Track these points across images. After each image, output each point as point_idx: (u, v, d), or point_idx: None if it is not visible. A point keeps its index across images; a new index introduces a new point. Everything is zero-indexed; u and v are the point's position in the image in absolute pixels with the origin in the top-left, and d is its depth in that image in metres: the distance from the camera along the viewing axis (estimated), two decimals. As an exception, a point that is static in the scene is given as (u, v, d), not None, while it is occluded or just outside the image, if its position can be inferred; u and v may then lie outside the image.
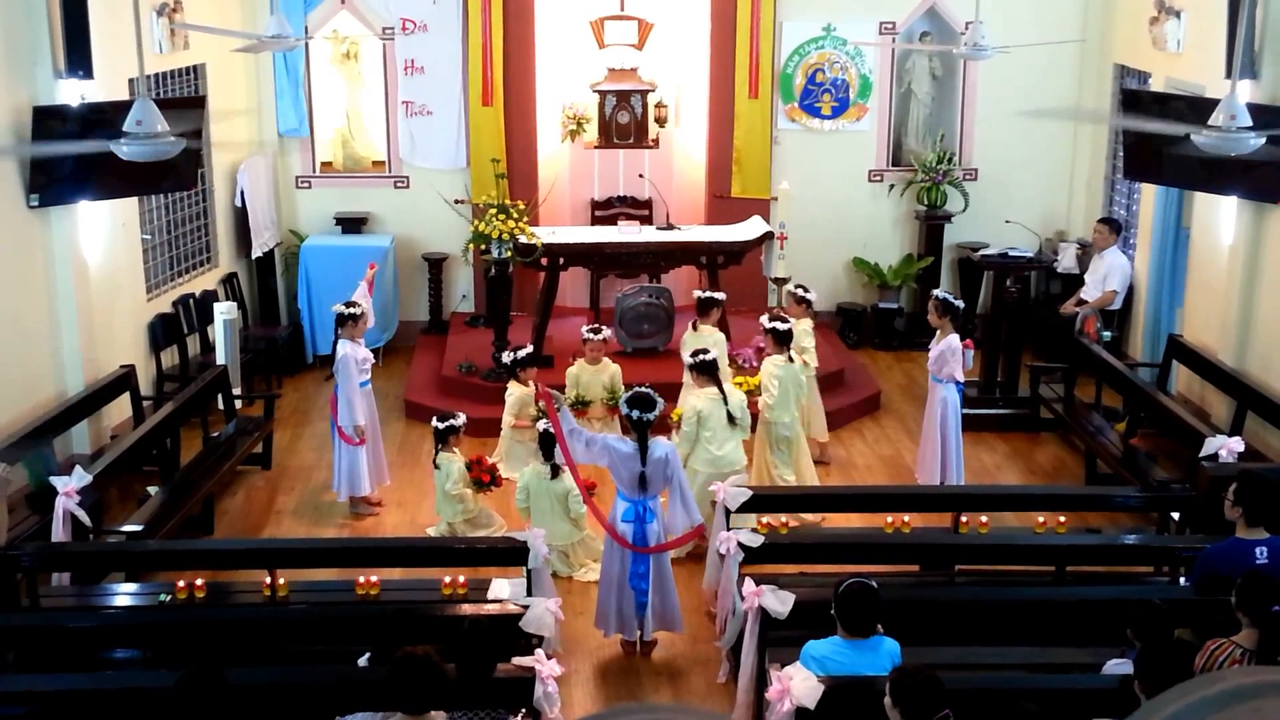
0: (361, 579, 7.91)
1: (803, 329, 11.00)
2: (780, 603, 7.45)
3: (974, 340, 11.02)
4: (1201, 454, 9.30)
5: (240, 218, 13.59)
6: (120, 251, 11.56)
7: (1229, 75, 9.81)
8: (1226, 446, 9.25)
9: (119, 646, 7.76)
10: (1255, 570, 6.70)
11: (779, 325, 9.96)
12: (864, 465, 11.43)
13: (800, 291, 11.29)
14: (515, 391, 10.93)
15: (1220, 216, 11.51)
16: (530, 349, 11.18)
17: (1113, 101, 13.68)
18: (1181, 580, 8.07)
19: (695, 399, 9.45)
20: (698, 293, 11.34)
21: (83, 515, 8.65)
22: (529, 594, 7.81)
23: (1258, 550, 7.13)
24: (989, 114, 14.38)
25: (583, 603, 8.94)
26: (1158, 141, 10.68)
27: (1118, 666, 6.50)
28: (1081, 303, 12.68)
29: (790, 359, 9.94)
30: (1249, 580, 6.32)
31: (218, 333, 12.24)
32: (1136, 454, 10.62)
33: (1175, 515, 9.29)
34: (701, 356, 9.46)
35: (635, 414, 8.25)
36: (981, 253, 12.81)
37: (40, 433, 9.90)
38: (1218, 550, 7.34)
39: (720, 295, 11.31)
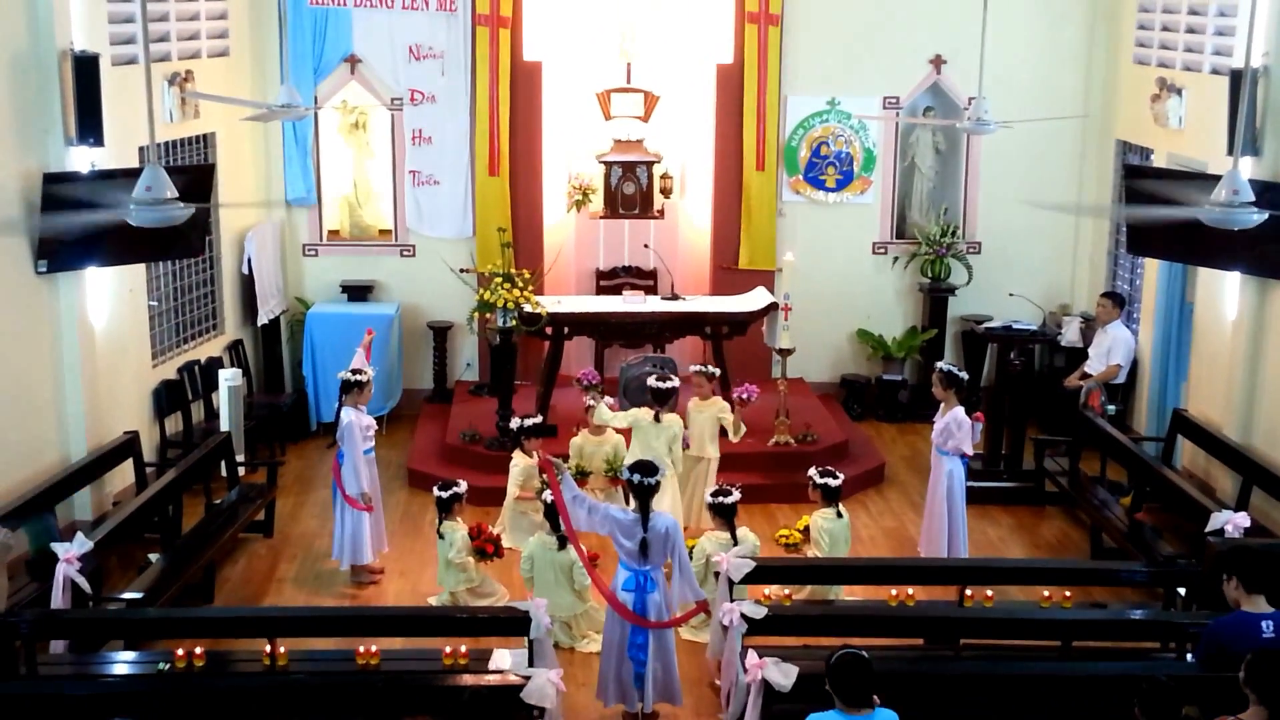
0: (362, 648, 7.86)
1: (722, 406, 11.30)
2: (784, 675, 7.40)
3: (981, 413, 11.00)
4: (1208, 529, 9.28)
5: (247, 285, 13.65)
6: (126, 317, 11.60)
7: (1231, 152, 9.88)
8: (1233, 522, 9.22)
9: (117, 715, 7.64)
10: (1263, 647, 6.64)
11: (830, 481, 9.76)
12: (868, 537, 11.38)
13: (710, 370, 11.48)
14: (520, 462, 10.92)
15: (1224, 291, 11.55)
16: (539, 419, 11.20)
17: (1115, 177, 13.77)
18: (1188, 656, 7.99)
19: (707, 542, 9.34)
20: (654, 383, 11.02)
21: (83, 582, 8.61)
22: (530, 664, 7.76)
23: (1264, 624, 7.07)
24: (992, 188, 14.48)
25: (584, 674, 8.87)
26: (1160, 215, 10.73)
27: (1125, 744, 6.43)
28: (1085, 376, 12.67)
29: (840, 514, 9.79)
30: (1258, 657, 6.25)
31: (222, 399, 12.25)
32: (1142, 529, 10.57)
33: (1181, 591, 9.23)
34: (721, 499, 9.29)
35: (637, 478, 8.23)
36: (985, 325, 12.83)
37: (43, 498, 9.87)
38: (1224, 624, 7.28)
39: (675, 383, 11.11)
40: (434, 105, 14.11)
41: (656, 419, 10.91)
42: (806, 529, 10.16)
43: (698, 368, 11.56)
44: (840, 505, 9.83)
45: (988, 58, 11.22)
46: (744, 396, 11.35)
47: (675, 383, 11.08)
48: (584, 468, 11.12)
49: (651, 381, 11.07)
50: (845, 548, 9.86)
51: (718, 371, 11.65)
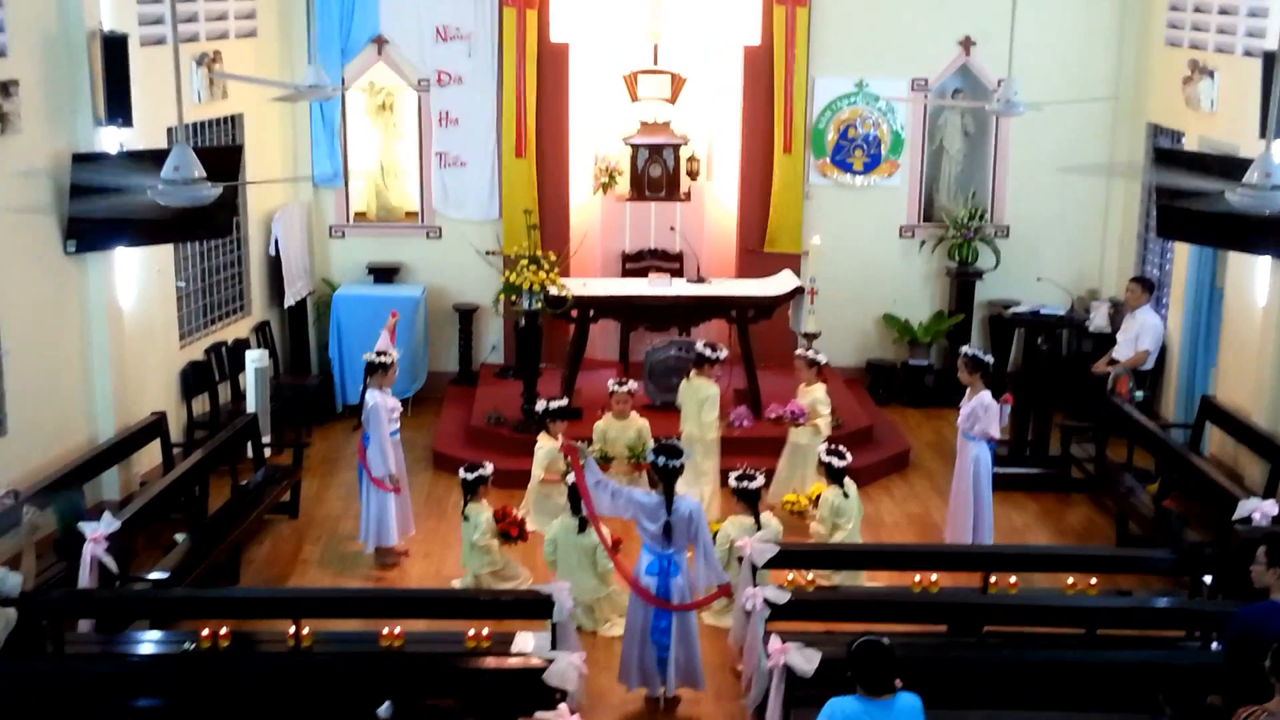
0: (385, 630, 7.89)
1: (818, 396, 11.22)
2: (806, 661, 7.40)
3: (1011, 395, 10.93)
4: (1235, 517, 9.20)
5: (274, 266, 13.69)
6: (154, 298, 11.64)
7: (1263, 135, 9.77)
8: (1260, 509, 9.14)
9: (142, 695, 7.72)
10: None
11: (835, 461, 9.85)
12: (892, 523, 11.36)
13: (811, 354, 11.40)
14: (545, 445, 10.91)
15: (1254, 276, 11.44)
16: (564, 402, 11.21)
17: (1146, 160, 13.65)
18: (1214, 645, 7.95)
19: (730, 526, 9.37)
20: (700, 347, 11.28)
21: (110, 562, 8.66)
22: (553, 648, 7.77)
23: (1293, 614, 7.02)
24: (1021, 171, 14.38)
25: (607, 658, 8.88)
26: (1191, 200, 10.64)
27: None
28: (1113, 362, 12.60)
29: (845, 494, 9.84)
30: (1284, 646, 6.21)
31: (249, 381, 12.29)
32: (1168, 516, 10.51)
33: (1207, 579, 9.16)
34: (746, 484, 9.31)
35: (662, 460, 8.23)
36: (1012, 310, 12.76)
37: (70, 478, 9.94)
38: (1252, 611, 7.22)
39: (719, 355, 11.26)
40: (461, 86, 14.10)
41: (687, 377, 11.15)
42: (816, 498, 10.17)
43: (801, 351, 11.60)
44: (846, 483, 9.84)
45: (1017, 39, 11.14)
46: (776, 416, 11.35)
47: (720, 354, 11.18)
48: (607, 452, 11.11)
49: (699, 346, 11.25)
50: (857, 523, 9.89)
51: (824, 359, 11.61)
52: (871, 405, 13.78)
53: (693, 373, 11.24)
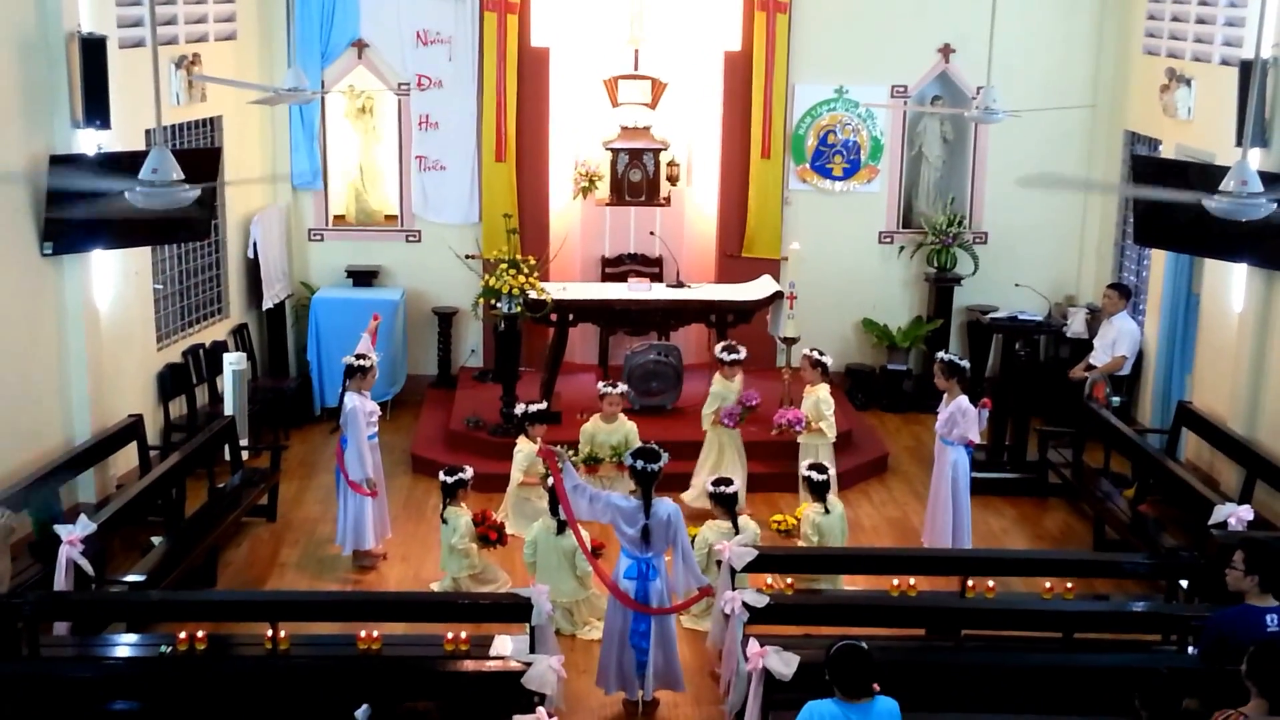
0: (363, 633, 7.87)
1: (821, 397, 11.19)
2: (785, 664, 7.40)
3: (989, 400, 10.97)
4: (1211, 522, 9.26)
5: (252, 269, 13.65)
6: (132, 301, 11.60)
7: (1239, 143, 9.86)
8: (1236, 515, 9.21)
9: (118, 698, 7.66)
10: (1267, 640, 6.63)
11: (814, 475, 9.86)
12: (870, 527, 11.38)
13: (816, 355, 11.40)
14: (524, 448, 10.91)
15: (1230, 283, 11.52)
16: (543, 405, 11.20)
17: (1123, 168, 13.73)
18: (1190, 649, 7.99)
19: (709, 531, 9.40)
20: (719, 350, 11.69)
21: (86, 564, 8.62)
22: (532, 651, 7.77)
23: (1268, 618, 7.06)
24: (1000, 178, 14.41)
25: (585, 661, 8.88)
26: (1168, 207, 10.70)
27: (1125, 736, 6.42)
28: (1090, 368, 12.66)
29: (826, 510, 9.85)
30: (1261, 650, 6.24)
31: (226, 383, 12.25)
32: (1145, 521, 10.56)
33: (1184, 583, 9.23)
34: (722, 488, 9.38)
35: (640, 464, 8.24)
36: (991, 316, 12.80)
37: (46, 480, 9.90)
38: (1227, 616, 7.27)
39: (731, 355, 11.54)
40: (441, 90, 14.09)
41: None
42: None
43: (807, 351, 11.63)
44: (829, 499, 9.84)
45: (996, 47, 11.20)
46: (778, 425, 11.42)
47: (730, 355, 11.53)
48: (596, 454, 11.10)
49: (718, 349, 11.68)
50: (841, 539, 9.88)
51: (828, 360, 11.60)
52: (850, 410, 13.79)
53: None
